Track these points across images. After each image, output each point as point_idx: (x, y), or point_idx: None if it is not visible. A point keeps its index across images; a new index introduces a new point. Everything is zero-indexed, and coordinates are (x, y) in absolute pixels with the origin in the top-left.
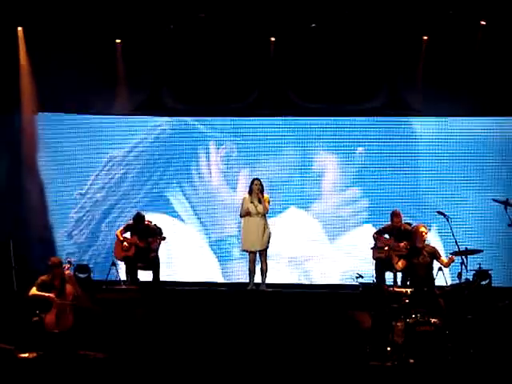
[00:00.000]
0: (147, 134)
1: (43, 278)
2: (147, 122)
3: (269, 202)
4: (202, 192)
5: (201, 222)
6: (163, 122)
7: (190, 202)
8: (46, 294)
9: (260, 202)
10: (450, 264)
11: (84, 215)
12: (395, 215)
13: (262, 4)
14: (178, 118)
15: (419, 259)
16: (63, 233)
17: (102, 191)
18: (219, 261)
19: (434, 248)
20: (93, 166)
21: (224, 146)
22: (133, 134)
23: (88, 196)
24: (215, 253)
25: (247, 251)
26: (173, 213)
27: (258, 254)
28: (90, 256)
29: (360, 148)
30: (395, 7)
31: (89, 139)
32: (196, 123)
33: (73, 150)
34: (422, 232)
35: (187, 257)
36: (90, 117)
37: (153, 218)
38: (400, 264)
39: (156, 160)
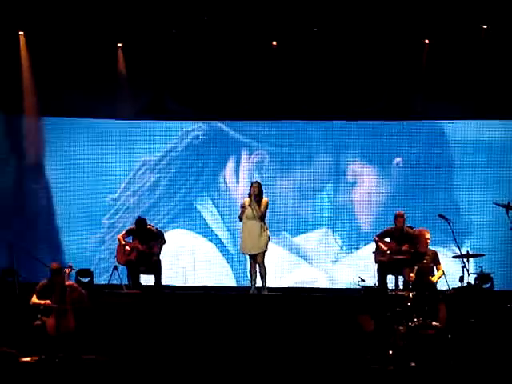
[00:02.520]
0: (179, 140)
1: (43, 283)
2: (155, 128)
3: (267, 206)
4: (231, 200)
5: (228, 231)
6: (196, 127)
7: (218, 211)
8: (43, 302)
9: (257, 205)
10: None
11: (116, 220)
12: (399, 216)
13: (264, 8)
14: (209, 124)
15: (422, 264)
16: (96, 238)
17: (135, 196)
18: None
19: (435, 252)
20: (105, 172)
21: (256, 153)
22: (164, 140)
23: (120, 202)
24: (241, 261)
25: (246, 254)
26: (202, 222)
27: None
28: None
29: (398, 158)
30: (397, 11)
31: (98, 143)
32: (229, 129)
33: (85, 155)
34: (427, 238)
35: (216, 266)
36: (98, 120)
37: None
38: (412, 275)
39: (189, 167)
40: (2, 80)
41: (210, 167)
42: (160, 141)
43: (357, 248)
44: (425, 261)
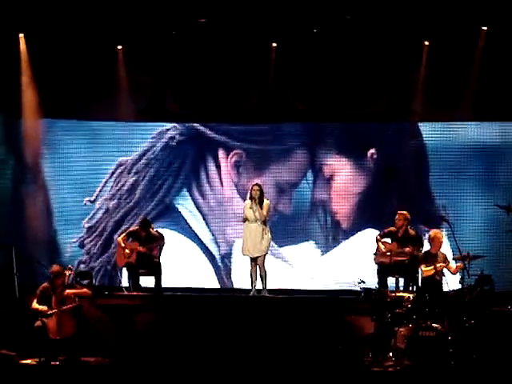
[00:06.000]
0: (156, 141)
1: (44, 286)
2: (155, 128)
3: (268, 209)
4: (212, 200)
5: (210, 231)
6: (172, 127)
7: (199, 210)
8: (40, 308)
9: (259, 207)
10: (457, 271)
11: (96, 223)
12: (401, 217)
13: (263, 9)
14: (187, 124)
15: (434, 265)
16: (75, 241)
17: (114, 199)
18: (228, 270)
19: (444, 254)
20: (102, 173)
21: (234, 152)
22: (141, 141)
23: (98, 204)
24: (224, 262)
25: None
26: (182, 221)
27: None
28: (100, 263)
29: (372, 150)
30: (396, 12)
31: (96, 145)
32: (205, 129)
33: (83, 157)
34: (441, 238)
35: (196, 265)
36: (98, 123)
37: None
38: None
39: (166, 167)
40: (1, 82)
41: (187, 168)
42: (137, 142)
43: (337, 244)
44: (438, 264)
